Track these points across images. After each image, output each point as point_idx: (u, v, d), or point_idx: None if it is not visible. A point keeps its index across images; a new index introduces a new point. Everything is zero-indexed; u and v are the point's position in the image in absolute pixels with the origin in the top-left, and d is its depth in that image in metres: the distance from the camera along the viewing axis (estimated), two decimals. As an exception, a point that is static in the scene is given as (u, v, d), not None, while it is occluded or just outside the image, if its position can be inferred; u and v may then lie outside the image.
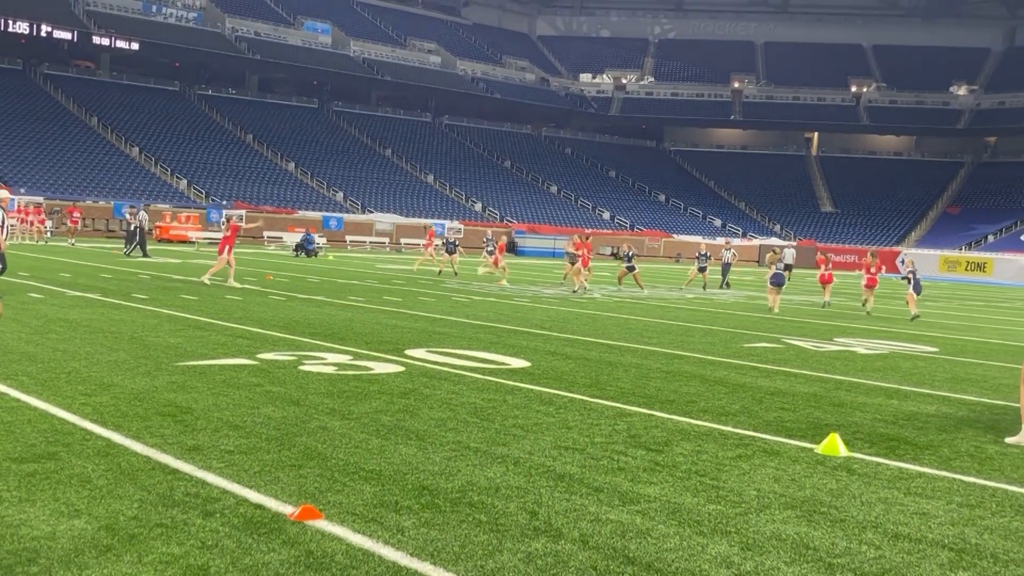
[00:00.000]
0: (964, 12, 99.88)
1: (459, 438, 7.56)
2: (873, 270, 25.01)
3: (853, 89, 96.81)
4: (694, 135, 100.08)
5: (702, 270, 31.83)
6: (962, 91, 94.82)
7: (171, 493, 5.70)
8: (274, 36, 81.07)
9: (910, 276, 23.96)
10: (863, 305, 25.48)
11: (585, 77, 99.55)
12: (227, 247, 22.80)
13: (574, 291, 26.78)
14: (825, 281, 26.47)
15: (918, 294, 23.78)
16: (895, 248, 75.07)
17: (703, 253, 32.24)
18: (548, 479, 6.44)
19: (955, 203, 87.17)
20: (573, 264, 28.14)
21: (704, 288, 31.88)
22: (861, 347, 16.09)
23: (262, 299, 19.40)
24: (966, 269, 68.69)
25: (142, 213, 36.29)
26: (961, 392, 11.48)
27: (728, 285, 34.04)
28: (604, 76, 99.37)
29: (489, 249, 33.20)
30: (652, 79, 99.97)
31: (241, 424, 7.68)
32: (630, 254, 29.78)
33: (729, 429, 8.49)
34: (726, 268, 34.61)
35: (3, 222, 13.31)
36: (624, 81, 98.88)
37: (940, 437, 8.60)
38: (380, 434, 7.57)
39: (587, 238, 29.95)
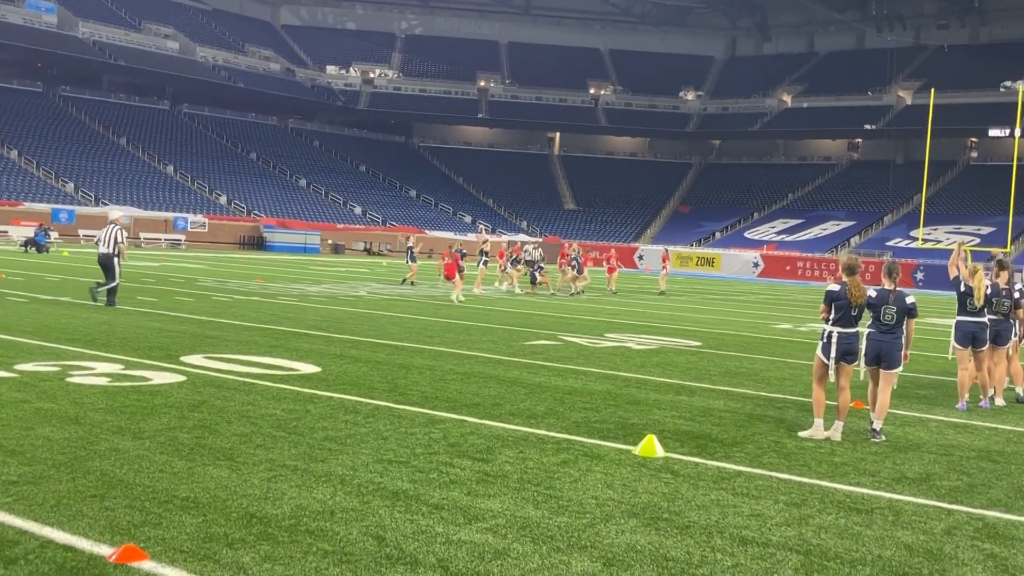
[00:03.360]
0: (691, 22, 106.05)
1: (271, 455, 7.03)
2: (666, 264, 36.41)
3: (592, 91, 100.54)
4: (442, 132, 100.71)
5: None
6: (690, 96, 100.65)
7: (-43, 539, 4.90)
8: (-9, 13, 74.43)
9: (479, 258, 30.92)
10: (660, 291, 34.44)
11: (332, 69, 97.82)
12: (456, 273, 24.96)
13: (572, 293, 30.65)
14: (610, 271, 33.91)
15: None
16: (633, 244, 78.71)
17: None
18: (382, 498, 6.06)
19: (685, 202, 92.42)
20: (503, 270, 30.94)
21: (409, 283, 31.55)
22: (632, 342, 16.56)
23: None
24: (696, 264, 72.93)
25: None
26: (739, 386, 11.98)
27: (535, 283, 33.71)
28: (351, 69, 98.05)
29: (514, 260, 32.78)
30: (400, 74, 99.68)
31: (18, 449, 6.80)
32: (462, 252, 31.09)
33: (543, 432, 8.40)
34: (532, 264, 33.99)
35: (118, 238, 18.05)
36: (372, 75, 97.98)
37: (741, 433, 8.89)
38: (182, 454, 6.92)
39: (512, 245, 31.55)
